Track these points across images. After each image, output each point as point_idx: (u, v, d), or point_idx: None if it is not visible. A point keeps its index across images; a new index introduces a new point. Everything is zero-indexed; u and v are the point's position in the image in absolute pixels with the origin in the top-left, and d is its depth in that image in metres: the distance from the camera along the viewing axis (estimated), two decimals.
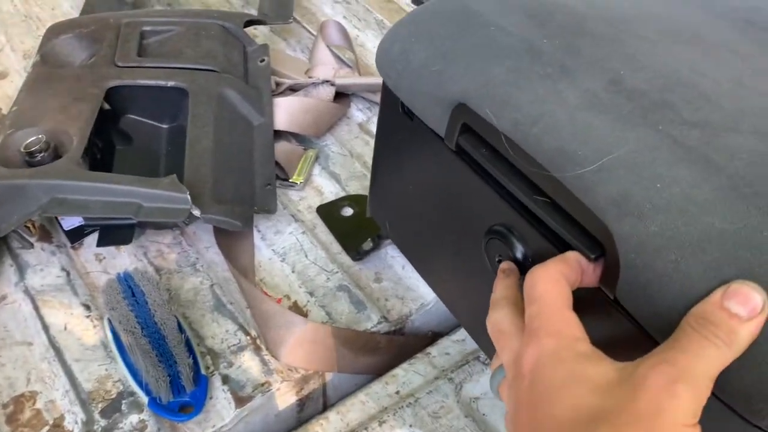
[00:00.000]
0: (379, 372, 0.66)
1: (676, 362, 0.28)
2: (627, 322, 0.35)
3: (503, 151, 0.39)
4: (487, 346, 0.50)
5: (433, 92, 0.42)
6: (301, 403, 0.66)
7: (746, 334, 0.28)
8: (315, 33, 1.00)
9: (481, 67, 0.40)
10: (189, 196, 0.64)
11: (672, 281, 0.31)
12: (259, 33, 1.02)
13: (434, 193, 0.48)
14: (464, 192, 0.44)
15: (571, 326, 0.32)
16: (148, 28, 0.84)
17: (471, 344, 0.66)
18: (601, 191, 0.33)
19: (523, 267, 0.41)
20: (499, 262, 0.42)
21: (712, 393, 0.31)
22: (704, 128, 0.37)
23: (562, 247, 0.38)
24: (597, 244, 0.35)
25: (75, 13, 1.02)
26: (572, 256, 0.35)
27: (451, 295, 0.52)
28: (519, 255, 0.40)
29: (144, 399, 0.59)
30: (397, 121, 0.49)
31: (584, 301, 0.37)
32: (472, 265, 0.46)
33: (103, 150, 0.76)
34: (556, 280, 0.33)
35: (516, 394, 0.32)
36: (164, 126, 0.81)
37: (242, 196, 0.72)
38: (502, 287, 0.39)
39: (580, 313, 0.38)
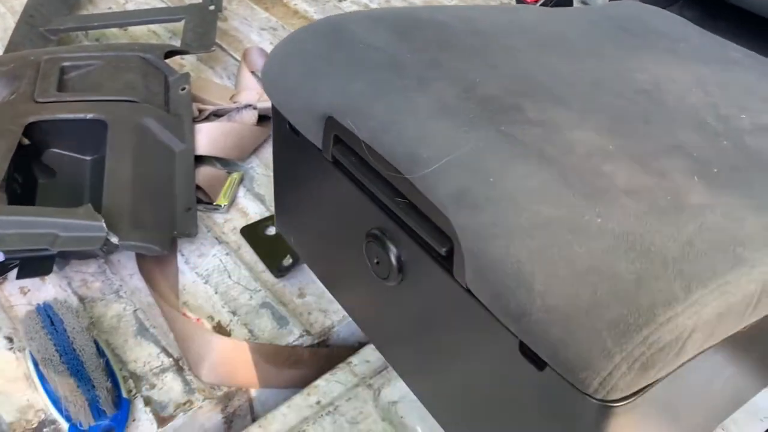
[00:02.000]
0: (305, 384, 0.67)
1: None
2: (479, 309, 0.37)
3: (366, 158, 0.41)
4: (387, 352, 0.53)
5: (307, 107, 0.45)
6: (228, 420, 0.67)
7: None
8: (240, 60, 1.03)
9: (345, 82, 0.43)
10: (104, 224, 0.66)
11: (504, 264, 0.33)
12: (186, 62, 1.04)
13: (323, 203, 0.51)
14: (345, 199, 0.47)
15: None
16: (68, 64, 0.86)
17: None
18: (442, 188, 0.36)
19: (398, 268, 0.43)
20: (378, 264, 0.45)
21: (552, 369, 0.34)
22: (546, 127, 0.40)
23: (423, 244, 0.40)
24: (446, 238, 0.37)
25: (0, 52, 1.03)
26: None
27: (352, 304, 0.54)
28: (392, 256, 0.43)
29: (65, 425, 0.60)
30: (286, 138, 0.51)
31: (445, 296, 0.40)
32: (360, 272, 0.48)
33: (25, 185, 0.77)
34: None
35: None
36: (87, 158, 0.83)
37: (162, 221, 0.74)
38: None
39: (445, 307, 0.41)
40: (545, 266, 0.32)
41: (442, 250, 0.37)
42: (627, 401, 0.33)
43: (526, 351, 0.35)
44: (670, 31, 0.63)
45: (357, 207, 0.45)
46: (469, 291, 0.37)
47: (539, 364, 0.35)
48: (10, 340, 0.68)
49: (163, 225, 0.73)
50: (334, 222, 0.50)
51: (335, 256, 0.52)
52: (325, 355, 0.71)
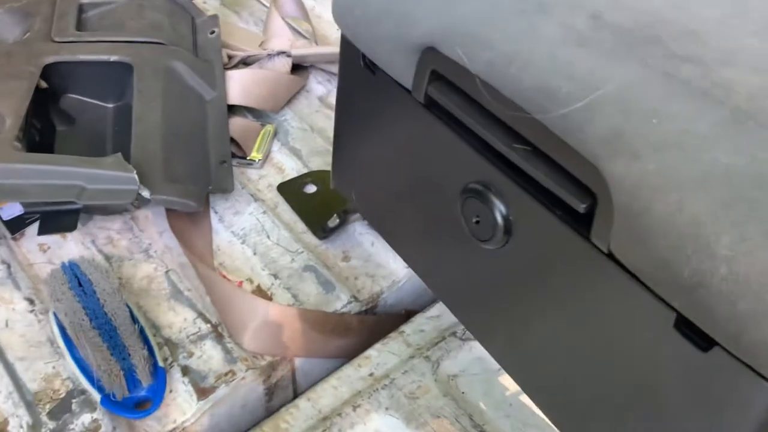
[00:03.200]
0: (351, 355, 0.62)
1: None
2: (622, 278, 0.31)
3: (478, 97, 0.35)
4: (466, 318, 0.47)
5: (397, 37, 0.38)
6: (270, 392, 0.61)
7: None
8: (268, 5, 0.95)
9: (449, 5, 0.36)
10: (136, 176, 0.59)
11: (675, 226, 0.27)
12: (208, 6, 0.96)
13: (404, 154, 0.44)
14: (436, 149, 0.40)
15: None
16: (87, 1, 0.78)
17: (447, 320, 0.62)
18: (590, 131, 0.30)
19: (505, 228, 0.37)
20: (477, 223, 0.39)
21: (725, 349, 0.28)
22: (696, 63, 0.33)
23: (547, 201, 0.34)
24: (587, 192, 0.31)
25: None
26: None
27: (427, 266, 0.48)
28: (498, 214, 0.37)
29: (96, 397, 0.54)
30: (358, 76, 0.45)
31: (573, 263, 0.34)
32: (448, 231, 0.42)
33: (43, 131, 0.70)
34: None
35: None
36: (109, 105, 0.75)
37: (196, 174, 0.67)
38: None
39: (570, 274, 0.35)
40: (731, 227, 0.26)
41: (581, 207, 0.31)
42: None
43: (684, 328, 0.29)
44: None
45: (453, 157, 0.39)
46: (610, 255, 0.31)
47: (703, 343, 0.29)
48: (30, 301, 0.62)
49: (197, 178, 0.67)
50: (417, 175, 0.43)
51: (413, 214, 0.46)
52: (372, 323, 0.65)
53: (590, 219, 0.31)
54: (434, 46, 0.36)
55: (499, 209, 0.37)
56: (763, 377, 0.27)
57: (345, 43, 0.44)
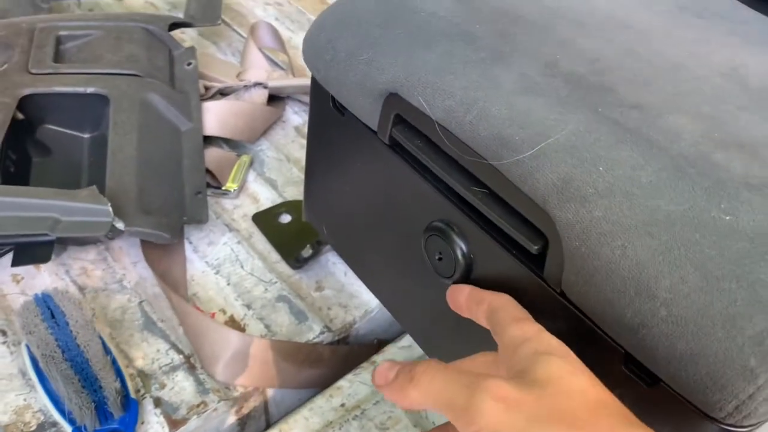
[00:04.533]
0: (324, 385, 0.63)
1: None
2: (574, 317, 0.32)
3: (438, 141, 0.36)
4: (432, 351, 0.48)
5: (363, 83, 0.40)
6: (242, 423, 0.62)
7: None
8: (246, 36, 0.97)
9: (412, 54, 0.38)
10: (110, 208, 0.60)
11: (620, 268, 0.29)
12: (186, 37, 0.97)
13: (370, 191, 0.46)
14: (401, 188, 0.42)
15: None
16: (65, 33, 0.79)
17: (418, 350, 0.63)
18: (541, 177, 0.31)
19: (466, 265, 0.39)
20: (440, 260, 0.40)
21: (668, 386, 0.29)
22: (644, 110, 0.35)
23: (504, 241, 0.36)
24: (539, 235, 0.33)
25: None
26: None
27: (394, 300, 0.50)
28: (459, 252, 0.38)
29: (68, 429, 0.54)
30: (328, 117, 0.46)
31: (528, 298, 0.35)
32: (413, 266, 0.43)
33: (18, 163, 0.71)
34: None
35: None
36: (86, 135, 0.76)
37: (171, 206, 0.68)
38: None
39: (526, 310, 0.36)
40: (671, 270, 0.28)
41: (533, 249, 0.33)
42: (753, 427, 0.29)
43: (632, 365, 0.31)
44: (729, 14, 0.59)
45: (416, 196, 0.40)
46: (562, 294, 0.33)
47: (649, 380, 0.30)
48: (3, 333, 0.62)
49: (172, 210, 0.67)
50: (383, 212, 0.45)
51: (380, 249, 0.47)
52: (344, 353, 0.66)
53: (543, 260, 0.33)
54: (397, 92, 0.38)
55: (460, 247, 0.38)
56: (704, 413, 0.29)
57: (315, 84, 0.46)
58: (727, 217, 0.29)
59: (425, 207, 0.40)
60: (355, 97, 0.41)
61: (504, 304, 0.34)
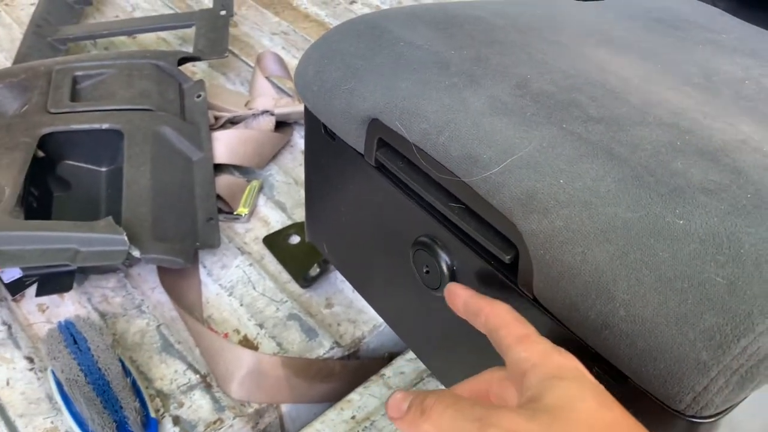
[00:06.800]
0: (336, 399, 0.65)
1: None
2: (548, 320, 0.35)
3: (417, 161, 0.39)
4: (431, 362, 0.50)
5: (348, 110, 0.43)
6: None
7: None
8: (253, 65, 1.00)
9: (390, 82, 0.41)
10: (126, 237, 0.63)
11: (581, 273, 0.31)
12: (197, 70, 1.02)
13: (362, 210, 0.48)
14: (389, 206, 0.44)
15: None
16: (80, 73, 0.83)
17: None
18: (507, 192, 0.33)
19: (450, 276, 0.41)
20: (428, 273, 0.42)
21: (634, 383, 0.31)
22: (609, 123, 0.37)
23: (482, 252, 0.38)
24: (510, 245, 0.35)
25: (9, 64, 1.01)
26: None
27: (392, 313, 0.52)
28: (444, 264, 0.40)
29: None
30: (321, 142, 0.49)
31: (509, 304, 0.37)
32: (406, 280, 0.46)
33: (40, 198, 0.75)
34: None
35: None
36: (103, 169, 0.80)
37: (184, 232, 0.71)
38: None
39: None
40: (628, 273, 0.30)
41: (506, 258, 0.35)
42: (717, 417, 0.30)
43: (603, 364, 0.33)
44: (708, 22, 0.60)
45: (403, 213, 0.43)
46: (535, 300, 0.35)
47: (618, 377, 0.32)
48: (30, 360, 0.66)
49: (185, 236, 0.71)
50: (375, 230, 0.47)
51: (375, 264, 0.50)
52: (355, 367, 0.68)
53: (516, 268, 0.35)
54: (378, 117, 0.41)
55: (444, 260, 0.40)
56: (667, 407, 0.30)
57: (308, 113, 0.49)
58: (681, 221, 0.31)
59: (411, 223, 0.42)
60: (341, 124, 0.44)
61: (504, 322, 0.33)
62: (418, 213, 0.41)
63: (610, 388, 0.33)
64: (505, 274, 0.36)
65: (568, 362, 0.30)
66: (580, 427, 0.27)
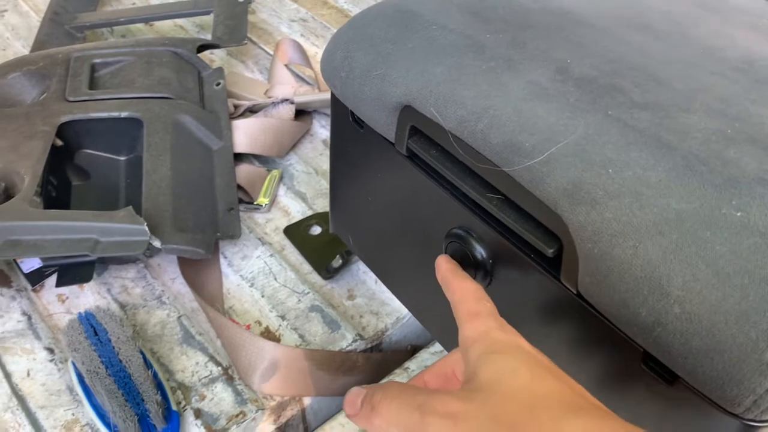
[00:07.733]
0: None
1: None
2: (593, 317, 0.33)
3: (452, 150, 0.37)
4: None
5: (379, 97, 0.41)
6: (281, 431, 0.63)
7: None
8: (272, 53, 0.99)
9: (423, 67, 0.39)
10: (146, 227, 0.62)
11: (632, 267, 0.29)
12: (215, 57, 1.00)
13: (392, 200, 0.47)
14: (420, 197, 0.43)
15: None
16: (98, 61, 0.82)
17: None
18: (552, 182, 0.32)
19: (486, 270, 0.39)
20: (461, 266, 0.41)
21: (687, 383, 0.30)
22: (655, 110, 0.36)
23: (521, 245, 0.36)
24: (554, 238, 0.33)
25: (26, 52, 1.00)
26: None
27: (419, 305, 0.50)
28: (479, 256, 0.39)
29: None
30: (348, 130, 0.47)
31: (546, 300, 0.36)
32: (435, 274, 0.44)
33: (59, 187, 0.74)
34: None
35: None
36: (122, 158, 0.79)
37: (204, 222, 0.70)
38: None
39: (546, 312, 0.37)
40: (682, 268, 0.28)
41: (549, 252, 0.33)
42: None
43: (651, 363, 0.31)
44: (748, 7, 0.58)
45: (435, 204, 0.41)
46: (579, 296, 0.33)
47: (668, 377, 0.31)
48: (50, 351, 0.65)
49: (206, 226, 0.70)
50: (404, 221, 0.46)
51: (403, 257, 0.48)
52: (378, 360, 0.67)
53: (559, 262, 0.34)
54: (411, 104, 0.39)
55: (480, 252, 0.39)
56: (723, 409, 0.29)
57: (334, 100, 0.47)
58: (738, 213, 0.29)
59: (444, 215, 0.41)
60: (371, 111, 0.42)
61: (462, 297, 0.33)
62: (452, 204, 0.40)
63: (659, 388, 0.31)
64: (547, 268, 0.35)
65: (506, 337, 0.29)
66: (512, 400, 0.26)
